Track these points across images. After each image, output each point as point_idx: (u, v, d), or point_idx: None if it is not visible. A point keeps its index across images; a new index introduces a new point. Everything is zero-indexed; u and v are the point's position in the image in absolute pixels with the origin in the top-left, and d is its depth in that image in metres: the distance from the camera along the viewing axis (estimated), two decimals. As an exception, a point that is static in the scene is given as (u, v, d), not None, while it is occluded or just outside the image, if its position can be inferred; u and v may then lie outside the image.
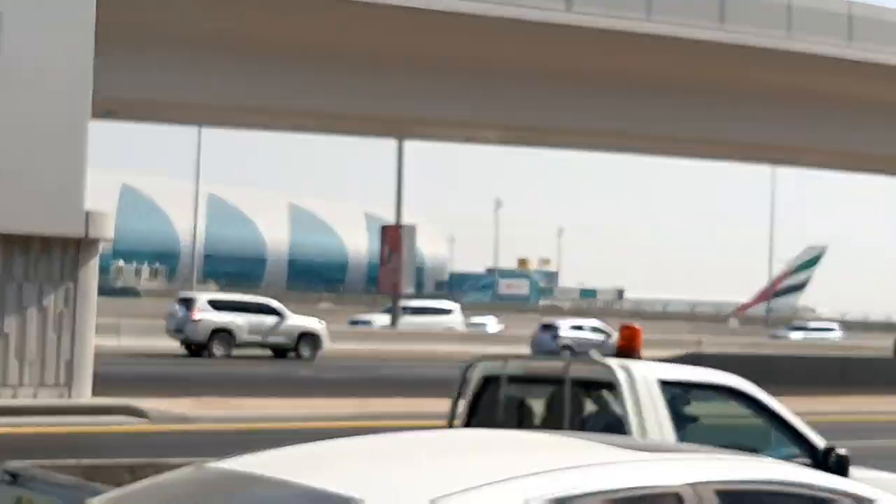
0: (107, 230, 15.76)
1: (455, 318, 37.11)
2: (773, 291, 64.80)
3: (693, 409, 5.92)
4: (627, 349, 6.14)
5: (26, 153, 14.98)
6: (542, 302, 69.19)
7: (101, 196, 19.42)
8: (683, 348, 28.52)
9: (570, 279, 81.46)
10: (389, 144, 33.06)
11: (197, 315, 24.88)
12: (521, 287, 73.26)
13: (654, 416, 5.55)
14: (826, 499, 2.74)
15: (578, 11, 17.83)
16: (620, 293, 76.31)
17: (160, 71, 17.74)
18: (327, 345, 26.74)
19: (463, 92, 19.65)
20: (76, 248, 15.68)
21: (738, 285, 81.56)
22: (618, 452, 2.69)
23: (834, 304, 73.63)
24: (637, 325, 6.64)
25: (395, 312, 33.39)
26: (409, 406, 16.28)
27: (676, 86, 20.49)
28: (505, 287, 71.65)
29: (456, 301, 48.50)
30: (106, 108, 17.55)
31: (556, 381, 6.01)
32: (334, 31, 17.98)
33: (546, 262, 79.09)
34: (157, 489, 2.85)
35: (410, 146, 33.29)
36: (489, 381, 6.25)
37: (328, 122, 23.13)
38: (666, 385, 5.65)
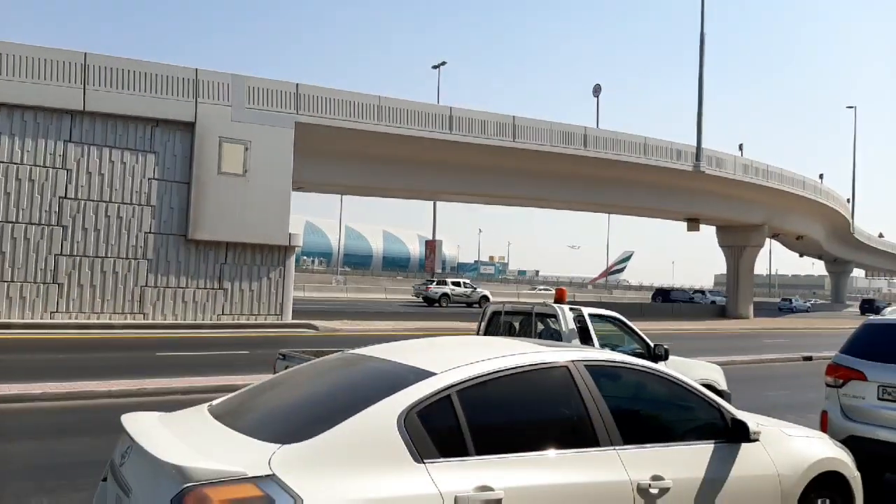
0: (298, 241, 22.31)
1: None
2: (609, 272, 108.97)
3: (593, 327, 7.69)
4: (559, 299, 8.18)
5: (264, 207, 21.54)
6: (500, 277, 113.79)
7: (295, 226, 22.73)
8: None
9: (513, 265, 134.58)
10: (429, 203, 46.97)
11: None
12: (491, 270, 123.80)
13: (572, 331, 7.43)
14: (640, 370, 3.86)
15: (520, 141, 25.99)
16: (537, 272, 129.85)
17: (325, 168, 24.46)
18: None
19: (463, 180, 26.95)
20: (284, 250, 22.16)
21: (591, 268, 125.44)
22: (538, 346, 3.77)
23: (636, 278, 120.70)
24: (564, 288, 8.82)
25: (431, 282, 49.67)
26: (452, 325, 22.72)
27: (566, 176, 28.25)
28: (483, 269, 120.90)
29: (461, 276, 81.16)
30: (298, 185, 23.50)
31: (527, 313, 7.97)
32: (403, 152, 24.92)
33: (502, 258, 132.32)
34: (321, 364, 3.85)
35: (440, 204, 51.13)
36: (495, 314, 8.18)
37: (402, 192, 29.80)
38: (577, 316, 7.56)
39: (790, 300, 66.62)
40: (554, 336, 7.59)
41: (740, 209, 37.14)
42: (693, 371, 7.84)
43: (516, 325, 8.14)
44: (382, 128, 23.88)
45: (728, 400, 7.25)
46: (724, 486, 3.75)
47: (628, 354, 5.34)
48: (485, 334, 8.00)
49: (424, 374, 3.30)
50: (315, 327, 21.28)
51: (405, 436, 3.02)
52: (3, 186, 19.79)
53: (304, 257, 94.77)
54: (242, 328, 20.41)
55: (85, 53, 20.30)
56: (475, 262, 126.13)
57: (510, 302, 8.59)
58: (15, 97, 19.50)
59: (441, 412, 3.15)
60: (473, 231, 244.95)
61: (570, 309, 7.75)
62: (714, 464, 3.76)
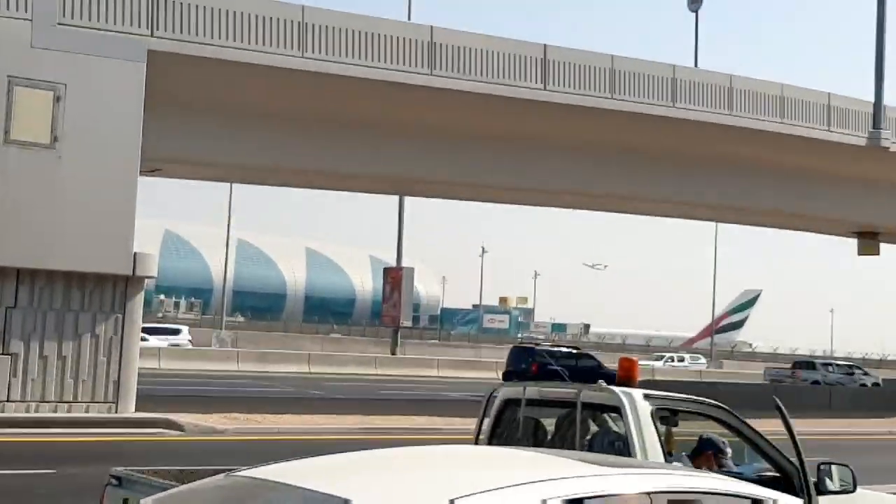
0: (151, 269, 17.54)
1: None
2: (716, 328, 71.31)
3: (681, 426, 6.49)
4: (626, 378, 6.77)
5: (84, 204, 16.57)
6: (520, 335, 75.07)
7: (146, 240, 20.27)
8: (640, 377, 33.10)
9: (543, 315, 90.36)
10: (392, 199, 36.54)
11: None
12: (503, 321, 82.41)
13: (649, 436, 6.03)
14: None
15: (552, 90, 19.93)
16: (586, 327, 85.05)
17: (199, 135, 19.37)
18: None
19: (451, 157, 21.69)
20: (125, 283, 17.32)
21: (686, 322, 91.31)
22: (592, 468, 3.15)
23: (767, 339, 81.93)
24: (634, 357, 7.39)
25: (395, 341, 38.69)
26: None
27: (633, 153, 22.71)
28: (488, 321, 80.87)
29: (447, 333, 59.06)
30: (152, 166, 19.15)
31: (568, 404, 6.53)
32: (345, 105, 19.84)
33: (523, 300, 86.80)
34: (192, 493, 3.22)
35: (409, 200, 36.71)
36: (508, 403, 6.87)
37: (340, 181, 24.95)
38: (659, 409, 6.17)
39: None
40: (617, 445, 5.94)
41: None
42: None
43: (547, 424, 6.69)
44: (308, 63, 18.30)
45: None
46: None
47: (751, 482, 4.18)
48: (490, 440, 6.51)
49: None
50: (179, 426, 17.08)
51: None
52: None
53: (163, 296, 66.12)
54: (44, 426, 16.48)
55: None
56: (474, 306, 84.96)
57: (536, 383, 7.53)
58: None
59: None
60: (471, 254, 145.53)
61: (647, 396, 6.08)
62: None
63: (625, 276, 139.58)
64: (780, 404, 6.23)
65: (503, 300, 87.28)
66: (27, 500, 10.21)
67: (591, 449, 6.07)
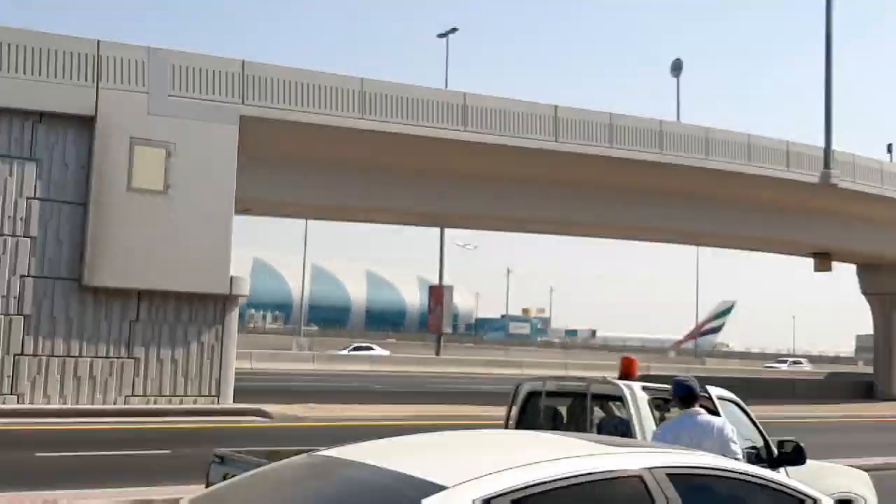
0: (244, 289, 19.48)
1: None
2: (699, 332, 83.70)
3: (671, 412, 6.62)
4: (626, 373, 7.09)
5: (190, 238, 18.46)
6: (539, 339, 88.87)
7: (239, 266, 21.25)
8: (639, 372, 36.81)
9: (557, 322, 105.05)
10: (435, 230, 40.92)
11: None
12: (525, 328, 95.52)
13: (647, 419, 6.46)
14: (745, 481, 3.27)
15: (562, 141, 22.30)
16: (593, 332, 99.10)
17: (280, 182, 21.30)
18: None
19: (481, 196, 23.89)
20: (224, 301, 19.33)
21: (673, 327, 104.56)
22: (598, 447, 3.31)
23: (741, 341, 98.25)
24: (633, 357, 7.60)
25: (438, 344, 44.49)
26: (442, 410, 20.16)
27: (629, 192, 24.88)
28: (513, 328, 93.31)
29: (480, 337, 70.50)
30: (243, 207, 20.73)
31: (579, 395, 7.05)
32: (396, 155, 21.84)
33: (541, 310, 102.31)
34: (276, 474, 3.37)
35: (449, 231, 41.96)
36: (532, 395, 7.32)
37: (393, 216, 27.13)
38: (654, 398, 6.61)
39: None
40: (620, 428, 6.42)
41: (893, 240, 29.76)
42: (826, 479, 6.69)
43: (563, 411, 7.18)
44: (366, 123, 20.33)
45: None
46: None
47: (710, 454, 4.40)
48: (518, 425, 7.00)
49: (430, 488, 2.72)
50: (268, 414, 18.84)
51: None
52: None
53: (253, 311, 74.50)
54: (161, 416, 18.23)
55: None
56: (502, 316, 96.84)
57: (554, 378, 7.68)
58: None
59: None
60: (499, 273, 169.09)
61: (644, 388, 6.55)
62: None
63: (624, 287, 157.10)
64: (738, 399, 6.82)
65: (525, 311, 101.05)
66: (149, 475, 10.79)
67: (599, 431, 6.57)
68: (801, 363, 55.39)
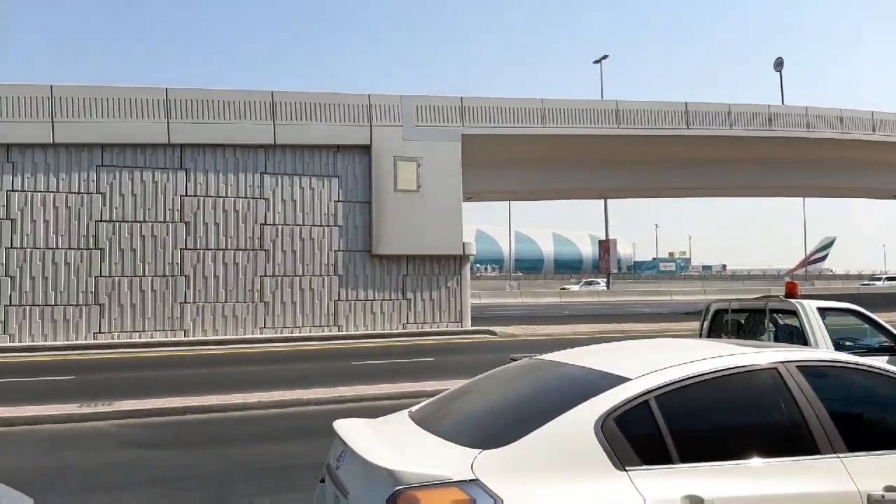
0: (471, 250, 22.92)
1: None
2: (808, 261, 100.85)
3: (831, 321, 7.16)
4: (790, 293, 7.42)
5: (436, 218, 22.23)
6: (682, 274, 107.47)
7: (468, 235, 23.33)
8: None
9: (696, 260, 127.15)
10: (599, 202, 47.43)
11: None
12: (671, 266, 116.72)
13: (819, 328, 6.88)
14: (865, 371, 3.50)
15: (694, 128, 25.29)
16: (724, 266, 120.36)
17: (491, 177, 25.19)
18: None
19: (632, 174, 27.18)
20: (459, 259, 23.01)
21: (787, 258, 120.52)
22: (742, 348, 3.59)
23: (841, 265, 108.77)
24: (795, 282, 7.79)
25: (608, 281, 52.87)
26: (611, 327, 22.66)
27: (743, 160, 27.66)
28: (662, 267, 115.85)
29: (638, 275, 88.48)
30: (467, 196, 24.01)
31: (757, 311, 7.51)
32: (569, 150, 24.99)
33: (683, 253, 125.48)
34: (511, 370, 3.86)
35: (612, 202, 48.64)
36: (719, 312, 7.75)
37: (570, 193, 30.40)
38: (820, 310, 7.04)
39: None
40: (792, 336, 7.06)
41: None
42: None
43: (743, 323, 7.68)
44: (547, 129, 24.01)
45: None
46: None
47: (875, 350, 5.37)
48: (708, 335, 7.61)
49: (619, 380, 3.18)
50: (494, 333, 21.80)
51: (604, 443, 2.95)
52: (213, 217, 22.04)
53: (478, 265, 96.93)
54: (426, 336, 21.28)
55: (272, 92, 22.36)
56: (653, 259, 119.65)
57: (737, 299, 8.02)
58: (220, 138, 21.84)
59: (639, 419, 3.05)
60: (649, 227, 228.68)
61: (815, 305, 7.14)
62: None
63: (746, 230, 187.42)
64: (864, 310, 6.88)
65: (671, 254, 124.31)
66: (422, 374, 11.71)
67: (776, 339, 7.04)
68: (894, 280, 56.58)
